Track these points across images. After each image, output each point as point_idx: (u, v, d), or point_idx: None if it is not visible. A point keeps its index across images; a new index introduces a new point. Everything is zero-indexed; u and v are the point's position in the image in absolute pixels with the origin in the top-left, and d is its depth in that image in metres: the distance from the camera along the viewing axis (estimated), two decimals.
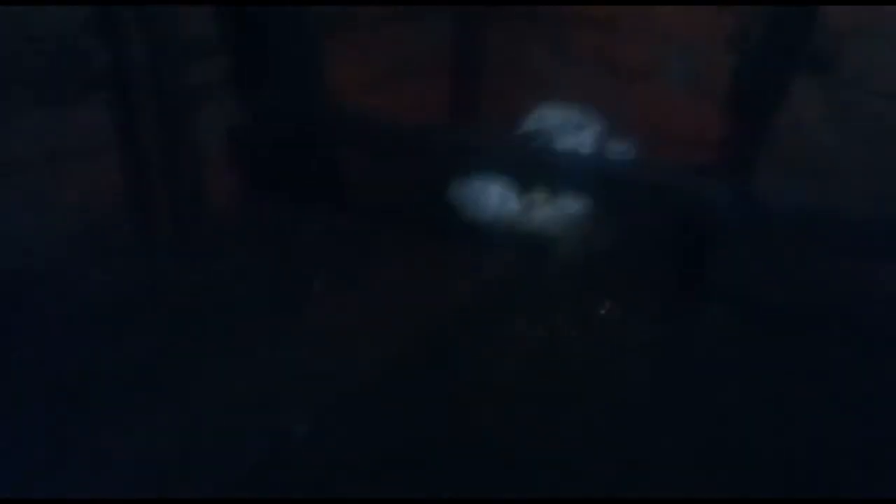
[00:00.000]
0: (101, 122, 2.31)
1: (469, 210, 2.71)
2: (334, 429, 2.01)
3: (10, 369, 2.11)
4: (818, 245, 2.19)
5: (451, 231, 2.70)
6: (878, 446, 1.96)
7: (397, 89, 2.84)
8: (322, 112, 2.54)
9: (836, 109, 2.57)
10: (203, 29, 2.42)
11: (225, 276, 2.45)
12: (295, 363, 2.18)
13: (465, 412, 2.06)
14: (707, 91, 2.80)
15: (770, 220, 2.10)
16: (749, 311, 2.38)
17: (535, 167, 2.47)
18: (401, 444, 1.96)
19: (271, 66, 2.49)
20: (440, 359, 2.25)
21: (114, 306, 2.32)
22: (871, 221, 2.12)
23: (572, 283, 2.50)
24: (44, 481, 1.80)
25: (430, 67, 3.09)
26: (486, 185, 2.70)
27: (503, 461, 1.92)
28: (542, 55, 3.10)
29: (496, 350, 2.27)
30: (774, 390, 2.13)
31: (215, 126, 2.52)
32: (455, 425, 2.02)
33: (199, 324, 2.29)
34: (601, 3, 2.93)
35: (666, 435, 2.00)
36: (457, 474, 1.87)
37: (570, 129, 2.85)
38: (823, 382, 2.14)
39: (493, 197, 2.71)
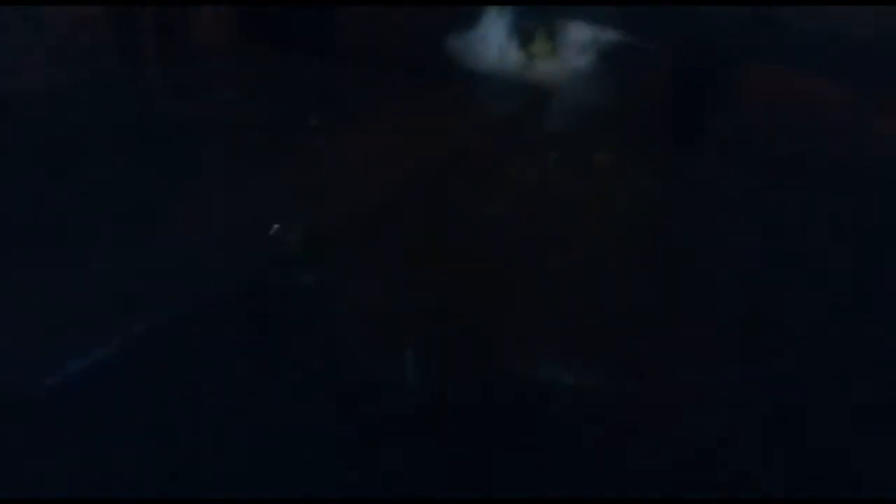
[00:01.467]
0: None
1: (469, 59, 2.63)
2: (328, 252, 1.98)
3: None
4: (832, 76, 2.10)
5: (450, 79, 2.62)
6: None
7: None
8: None
9: None
10: None
11: (218, 110, 2.38)
12: (291, 191, 2.14)
13: (457, 251, 2.03)
14: None
15: (786, 44, 2.01)
16: (751, 161, 2.31)
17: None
18: (393, 280, 1.93)
19: None
20: (434, 196, 2.22)
21: (100, 135, 2.26)
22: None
23: (571, 133, 2.45)
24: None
25: None
26: (486, 32, 2.60)
27: (488, 293, 1.91)
28: None
29: (490, 190, 2.23)
30: (770, 242, 2.09)
31: None
32: (446, 262, 1.99)
33: (194, 153, 2.24)
34: None
35: (650, 281, 1.99)
36: (442, 305, 1.87)
37: None
38: (822, 234, 2.10)
39: (493, 45, 2.61)
